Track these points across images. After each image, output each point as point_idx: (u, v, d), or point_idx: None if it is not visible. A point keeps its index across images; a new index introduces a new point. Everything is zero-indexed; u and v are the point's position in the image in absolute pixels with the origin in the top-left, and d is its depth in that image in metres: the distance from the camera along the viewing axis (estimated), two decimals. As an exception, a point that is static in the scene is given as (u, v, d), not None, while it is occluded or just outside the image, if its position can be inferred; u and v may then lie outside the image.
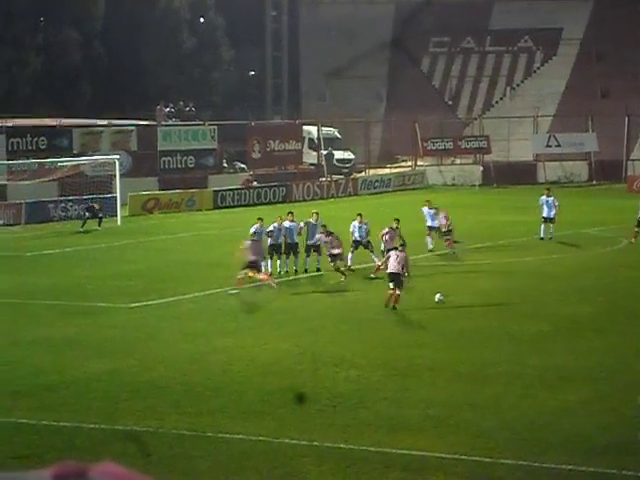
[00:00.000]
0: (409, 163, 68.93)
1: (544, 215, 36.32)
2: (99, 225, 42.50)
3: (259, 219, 29.31)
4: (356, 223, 30.60)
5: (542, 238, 35.95)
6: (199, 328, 22.35)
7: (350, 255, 29.93)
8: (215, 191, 53.50)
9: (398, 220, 29.22)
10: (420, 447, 14.26)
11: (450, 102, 78.92)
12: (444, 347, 20.24)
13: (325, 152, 64.58)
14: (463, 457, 13.88)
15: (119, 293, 26.71)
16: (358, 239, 30.34)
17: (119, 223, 44.18)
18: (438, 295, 24.54)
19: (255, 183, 57.32)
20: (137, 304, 25.13)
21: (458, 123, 74.59)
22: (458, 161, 68.25)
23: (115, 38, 67.55)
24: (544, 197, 36.80)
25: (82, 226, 42.16)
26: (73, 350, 20.34)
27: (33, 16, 64.83)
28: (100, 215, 42.91)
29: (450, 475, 13.37)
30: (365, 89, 79.28)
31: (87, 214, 42.92)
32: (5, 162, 47.79)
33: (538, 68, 79.65)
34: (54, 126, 53.46)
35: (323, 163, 64.31)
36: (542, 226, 36.26)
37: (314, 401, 16.51)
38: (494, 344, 20.43)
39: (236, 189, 54.83)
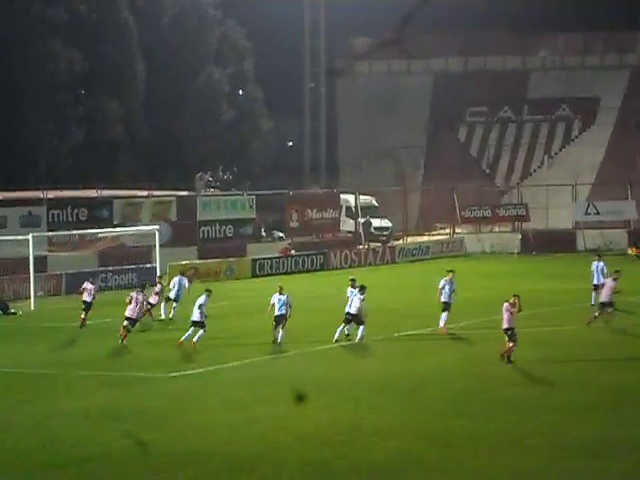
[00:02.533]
0: (447, 231, 68.88)
1: (594, 282, 35.91)
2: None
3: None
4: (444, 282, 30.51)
5: (593, 305, 35.49)
6: (238, 397, 22.25)
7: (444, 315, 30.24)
8: (253, 260, 53.71)
9: (517, 296, 25.91)
10: (462, 519, 14.01)
11: (488, 170, 79.04)
12: (485, 417, 19.99)
13: (363, 220, 64.77)
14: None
15: (158, 362, 26.71)
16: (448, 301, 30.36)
17: (158, 293, 44.30)
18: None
19: (293, 252, 57.47)
20: (176, 373, 25.10)
21: (496, 191, 74.63)
22: (496, 229, 68.11)
23: (155, 110, 68.52)
24: (595, 263, 36.55)
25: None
26: (112, 421, 20.29)
27: (74, 88, 65.96)
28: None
29: None
30: (403, 158, 79.62)
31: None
32: (45, 234, 48.27)
33: (576, 136, 79.68)
34: (95, 197, 54.04)
35: (360, 231, 64.45)
36: (593, 293, 35.80)
37: (353, 472, 16.33)
38: (535, 414, 20.14)
39: (274, 258, 55.04)
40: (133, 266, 48.01)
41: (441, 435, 18.56)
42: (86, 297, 33.68)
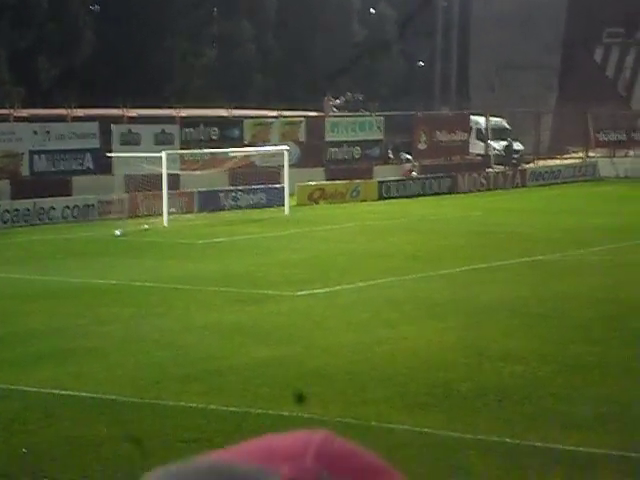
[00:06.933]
0: (580, 154, 67.42)
1: None
2: None
3: None
4: None
5: None
6: (363, 318, 22.43)
7: None
8: (380, 182, 53.64)
9: None
10: (588, 444, 13.94)
11: (624, 93, 76.77)
12: (618, 344, 19.70)
13: (505, 143, 63.95)
14: (632, 454, 13.51)
15: (286, 281, 27.09)
16: None
17: (286, 213, 44.80)
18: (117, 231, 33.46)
19: (414, 174, 57.08)
20: (303, 292, 25.42)
21: (632, 114, 72.51)
22: (631, 153, 66.36)
23: (287, 30, 68.47)
24: None
25: None
26: (241, 336, 20.73)
27: (208, 7, 66.32)
28: None
29: (617, 472, 13.03)
30: (536, 79, 77.97)
31: None
32: (178, 151, 49.09)
33: None
34: (226, 117, 54.57)
35: (490, 154, 63.60)
36: None
37: (479, 395, 16.35)
38: (668, 343, 19.75)
39: (401, 180, 54.94)
40: (262, 186, 48.53)
41: (570, 361, 18.39)
42: None
